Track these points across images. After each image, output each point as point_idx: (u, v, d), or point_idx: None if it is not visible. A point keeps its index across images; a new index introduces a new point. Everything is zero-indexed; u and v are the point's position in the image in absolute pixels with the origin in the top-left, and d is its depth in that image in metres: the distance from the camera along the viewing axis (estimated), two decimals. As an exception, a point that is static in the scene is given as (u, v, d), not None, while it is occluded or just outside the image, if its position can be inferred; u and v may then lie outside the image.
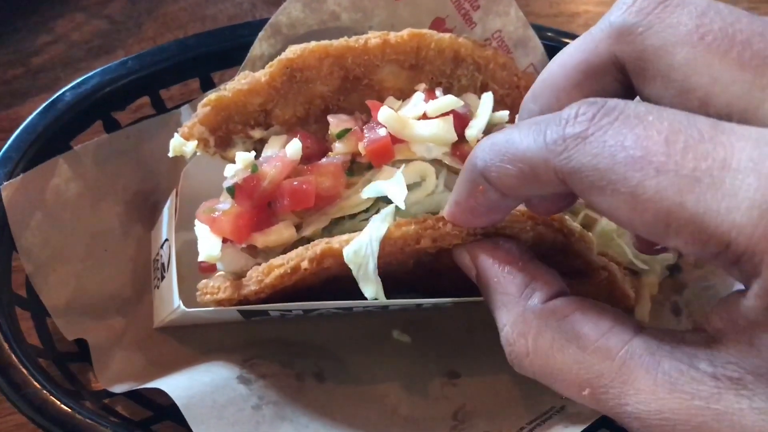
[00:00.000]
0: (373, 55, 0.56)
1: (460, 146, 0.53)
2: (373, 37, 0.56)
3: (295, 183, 0.52)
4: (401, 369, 0.61)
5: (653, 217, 0.34)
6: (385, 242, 0.47)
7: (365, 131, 0.53)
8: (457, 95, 0.56)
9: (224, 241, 0.54)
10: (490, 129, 0.54)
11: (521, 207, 0.45)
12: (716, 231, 0.33)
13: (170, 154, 0.56)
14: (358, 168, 0.54)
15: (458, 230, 0.47)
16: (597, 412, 0.52)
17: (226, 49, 0.67)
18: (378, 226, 0.48)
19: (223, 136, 0.57)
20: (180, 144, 0.56)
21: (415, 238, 0.48)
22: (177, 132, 0.56)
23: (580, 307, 0.40)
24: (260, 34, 0.65)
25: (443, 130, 0.52)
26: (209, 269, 0.56)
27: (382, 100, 0.57)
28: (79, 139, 0.65)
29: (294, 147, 0.53)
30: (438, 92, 0.55)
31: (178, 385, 0.54)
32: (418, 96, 0.55)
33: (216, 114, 0.56)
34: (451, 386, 0.60)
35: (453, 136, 0.52)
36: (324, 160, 0.54)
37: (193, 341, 0.60)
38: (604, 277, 0.53)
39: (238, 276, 0.53)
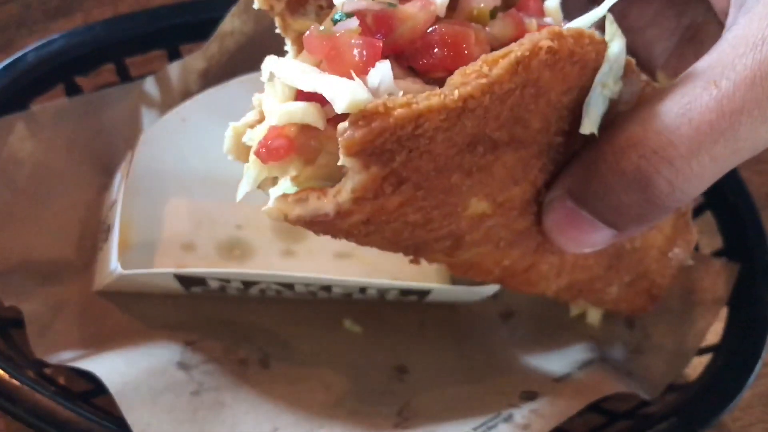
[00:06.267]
0: None
1: None
2: None
3: (453, 30, 0.40)
4: (350, 360, 0.60)
5: None
6: None
7: (523, 17, 0.42)
8: None
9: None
10: None
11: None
12: None
13: None
14: None
15: None
16: (547, 424, 0.53)
17: (196, 23, 0.66)
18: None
19: None
20: None
21: None
22: None
23: None
24: (232, 10, 0.64)
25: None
26: (284, 151, 0.40)
27: None
28: (38, 102, 0.63)
29: None
30: None
31: (114, 370, 0.53)
32: None
33: None
34: (399, 381, 0.59)
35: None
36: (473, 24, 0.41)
37: (136, 315, 0.59)
38: None
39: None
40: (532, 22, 0.42)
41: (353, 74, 0.37)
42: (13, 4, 0.82)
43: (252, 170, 0.41)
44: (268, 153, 0.39)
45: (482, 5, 0.41)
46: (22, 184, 0.61)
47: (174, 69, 0.65)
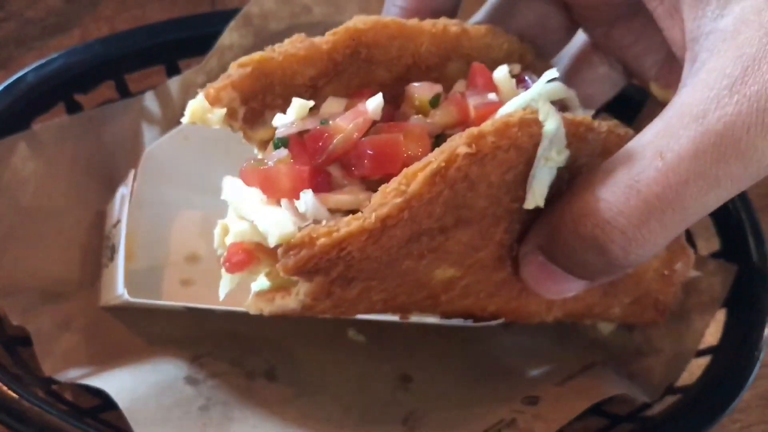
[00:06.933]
0: (450, 45, 0.48)
1: None
2: (453, 24, 0.49)
3: (382, 139, 0.42)
4: (354, 370, 0.61)
5: None
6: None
7: (468, 97, 0.45)
8: None
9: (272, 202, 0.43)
10: None
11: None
12: None
13: (186, 120, 0.46)
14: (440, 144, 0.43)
15: None
16: (549, 428, 0.53)
17: (194, 37, 0.66)
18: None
19: (255, 109, 0.46)
20: (203, 109, 0.45)
21: None
22: (199, 92, 0.46)
23: None
24: (231, 24, 0.65)
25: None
26: (243, 263, 0.45)
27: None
28: (38, 121, 0.63)
29: (376, 102, 0.43)
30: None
31: (123, 387, 0.53)
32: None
33: (255, 79, 0.45)
34: (403, 391, 0.60)
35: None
36: (412, 119, 0.44)
37: (142, 329, 0.60)
38: None
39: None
40: (472, 104, 0.44)
41: (284, 203, 0.42)
42: (11, 21, 0.82)
43: (225, 279, 0.45)
44: (232, 266, 0.44)
45: (423, 95, 0.45)
46: (25, 204, 0.62)
47: (174, 84, 0.66)
